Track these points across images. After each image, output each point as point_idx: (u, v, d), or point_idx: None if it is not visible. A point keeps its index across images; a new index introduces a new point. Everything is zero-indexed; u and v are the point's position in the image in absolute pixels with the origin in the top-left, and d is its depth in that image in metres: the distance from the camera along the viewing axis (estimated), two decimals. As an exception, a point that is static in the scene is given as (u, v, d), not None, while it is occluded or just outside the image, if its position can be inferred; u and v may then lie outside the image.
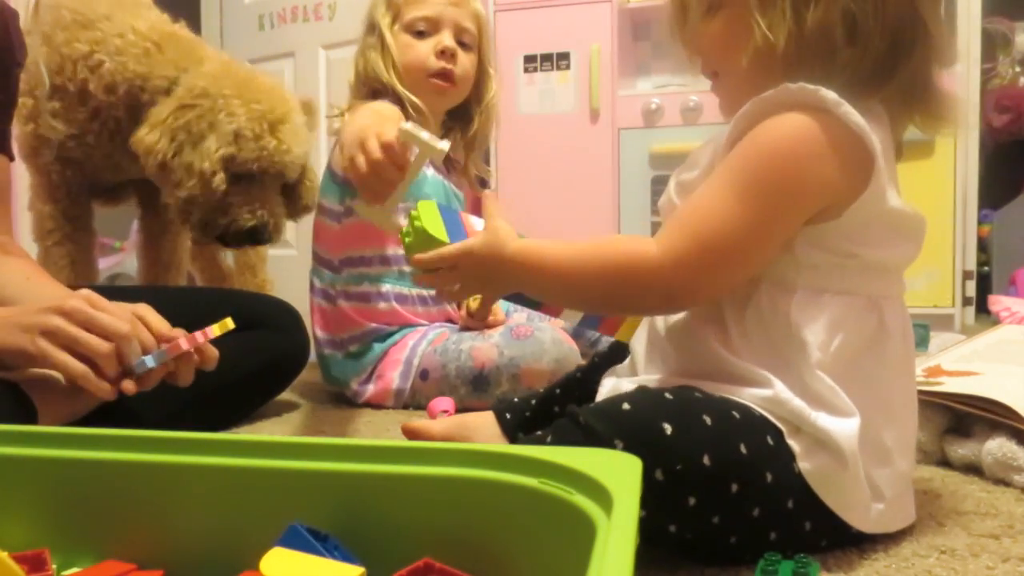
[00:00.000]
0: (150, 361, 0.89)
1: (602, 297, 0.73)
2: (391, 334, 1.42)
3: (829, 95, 0.66)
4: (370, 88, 1.45)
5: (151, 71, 1.38)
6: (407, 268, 1.42)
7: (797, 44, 0.69)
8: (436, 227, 0.80)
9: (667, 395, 0.65)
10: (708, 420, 0.63)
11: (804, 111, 0.67)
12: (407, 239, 0.81)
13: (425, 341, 1.40)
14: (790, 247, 0.69)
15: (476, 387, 1.34)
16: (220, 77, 1.36)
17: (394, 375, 1.38)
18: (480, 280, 0.78)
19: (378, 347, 1.42)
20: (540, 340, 1.33)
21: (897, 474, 0.69)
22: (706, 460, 0.61)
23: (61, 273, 1.51)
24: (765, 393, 0.67)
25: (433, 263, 0.78)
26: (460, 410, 1.23)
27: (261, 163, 1.36)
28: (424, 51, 1.43)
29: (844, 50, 0.68)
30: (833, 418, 0.66)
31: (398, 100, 1.41)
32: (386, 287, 1.43)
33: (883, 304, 0.70)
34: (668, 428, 0.61)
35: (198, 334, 0.91)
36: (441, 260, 0.78)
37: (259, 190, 1.39)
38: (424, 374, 1.38)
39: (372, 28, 1.48)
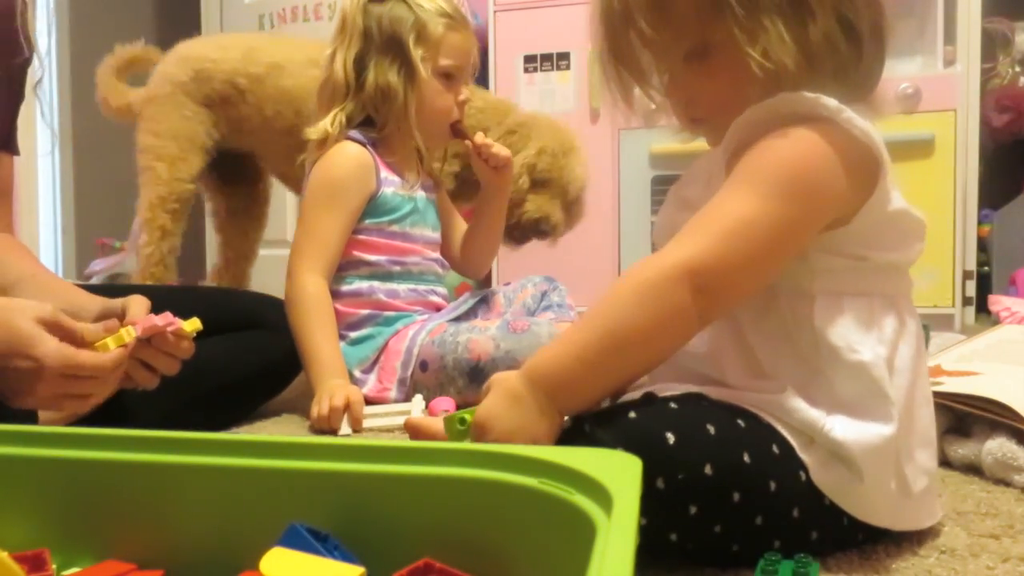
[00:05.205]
0: None
1: (639, 332, 0.64)
2: (391, 321, 1.43)
3: (830, 102, 0.66)
4: (343, 94, 1.44)
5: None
6: (396, 268, 1.45)
7: (807, 61, 0.68)
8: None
9: (672, 404, 0.64)
10: (712, 429, 0.62)
11: (806, 124, 0.66)
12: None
13: (424, 331, 1.41)
14: (803, 255, 0.68)
15: (472, 379, 1.34)
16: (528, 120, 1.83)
17: (396, 364, 1.40)
18: (513, 422, 0.66)
19: (379, 335, 1.42)
20: (537, 334, 1.34)
21: (921, 469, 0.69)
22: (708, 469, 0.61)
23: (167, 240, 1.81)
24: (777, 399, 0.66)
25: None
26: (459, 405, 1.24)
27: (553, 173, 1.77)
28: (450, 101, 1.44)
29: (845, 51, 0.69)
30: (855, 424, 0.65)
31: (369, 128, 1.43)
32: (375, 283, 1.44)
33: (899, 302, 0.71)
34: (671, 437, 0.61)
35: (157, 319, 0.86)
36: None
37: (548, 195, 1.78)
38: (424, 365, 1.39)
39: (396, 49, 1.42)
